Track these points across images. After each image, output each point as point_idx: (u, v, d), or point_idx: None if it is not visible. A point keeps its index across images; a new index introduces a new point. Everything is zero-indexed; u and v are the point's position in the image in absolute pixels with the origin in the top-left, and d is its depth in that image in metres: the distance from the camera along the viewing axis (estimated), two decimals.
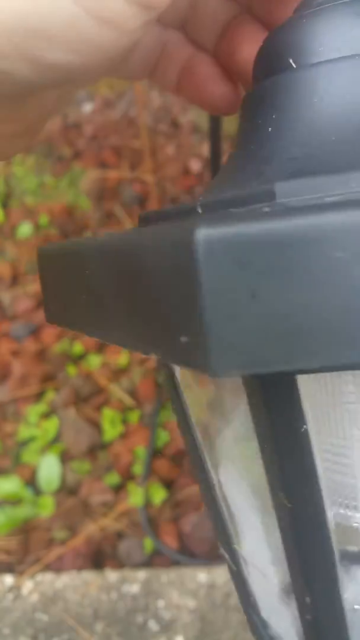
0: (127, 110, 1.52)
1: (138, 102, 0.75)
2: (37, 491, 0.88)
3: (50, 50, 0.16)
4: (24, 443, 0.92)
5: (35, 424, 0.93)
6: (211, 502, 0.24)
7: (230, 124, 1.33)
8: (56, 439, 0.90)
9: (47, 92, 0.20)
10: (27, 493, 0.88)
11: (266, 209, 0.12)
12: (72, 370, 0.97)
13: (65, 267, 0.18)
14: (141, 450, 0.85)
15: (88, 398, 0.93)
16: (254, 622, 0.27)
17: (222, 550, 0.25)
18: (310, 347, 0.11)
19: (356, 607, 0.19)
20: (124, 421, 0.89)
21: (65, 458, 0.89)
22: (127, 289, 0.13)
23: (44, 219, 1.29)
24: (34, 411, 0.93)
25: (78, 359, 0.99)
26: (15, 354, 1.02)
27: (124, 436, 0.88)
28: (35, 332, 1.05)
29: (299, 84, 0.18)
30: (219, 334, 0.11)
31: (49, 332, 1.04)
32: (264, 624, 0.26)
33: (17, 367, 0.99)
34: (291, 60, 0.18)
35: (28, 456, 0.91)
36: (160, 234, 0.12)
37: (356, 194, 0.13)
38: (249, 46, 0.23)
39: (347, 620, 0.19)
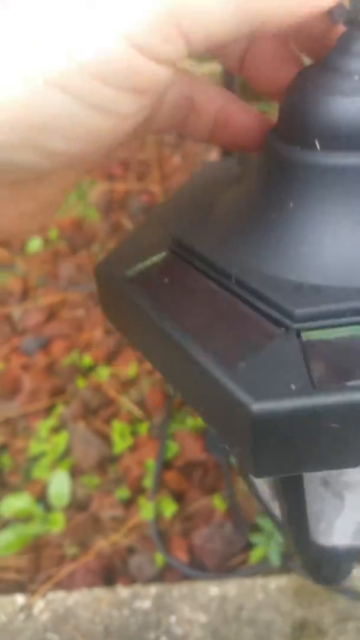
0: None
1: None
2: (48, 507, 0.87)
3: (50, 140, 0.16)
4: (35, 459, 0.91)
5: (45, 439, 0.92)
6: None
7: None
8: (66, 453, 0.90)
9: (60, 174, 0.20)
10: (38, 510, 0.87)
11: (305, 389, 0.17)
12: (81, 382, 0.96)
13: None
14: (151, 463, 0.84)
15: (97, 410, 0.92)
16: None
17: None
18: None
19: None
20: (133, 433, 0.88)
21: (75, 472, 0.88)
22: None
23: (53, 233, 1.30)
24: (44, 426, 0.93)
25: (87, 371, 0.99)
26: (25, 368, 1.02)
27: (133, 449, 0.87)
28: (45, 345, 1.05)
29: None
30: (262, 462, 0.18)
31: (59, 345, 1.04)
32: None
33: (27, 382, 0.99)
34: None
35: (38, 472, 0.90)
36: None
37: None
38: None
39: None
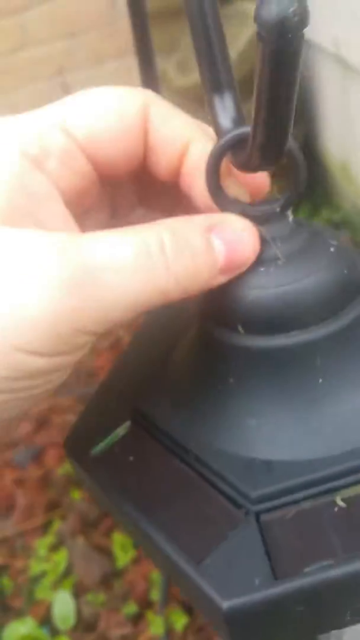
0: None
1: None
2: (54, 631, 0.83)
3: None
4: (36, 579, 0.88)
5: (44, 558, 0.89)
6: None
7: None
8: (67, 571, 0.87)
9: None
10: (43, 634, 0.83)
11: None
12: (76, 494, 0.94)
13: None
14: (157, 575, 0.81)
15: (95, 523, 0.90)
16: None
17: None
18: None
19: None
20: (135, 545, 0.86)
21: (78, 591, 0.85)
22: None
23: None
24: (42, 544, 0.90)
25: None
26: (18, 482, 1.00)
27: (136, 561, 0.84)
28: (37, 455, 1.04)
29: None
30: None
31: (52, 454, 1.03)
32: None
33: (22, 497, 0.97)
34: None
35: (41, 593, 0.87)
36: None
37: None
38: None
39: None
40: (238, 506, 0.20)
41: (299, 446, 0.20)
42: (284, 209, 0.21)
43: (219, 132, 0.21)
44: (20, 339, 0.17)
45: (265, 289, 0.20)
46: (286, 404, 0.20)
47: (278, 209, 0.21)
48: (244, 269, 0.20)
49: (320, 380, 0.20)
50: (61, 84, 0.77)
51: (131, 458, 0.23)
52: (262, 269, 0.20)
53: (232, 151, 0.20)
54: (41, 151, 0.20)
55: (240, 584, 0.18)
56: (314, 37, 1.17)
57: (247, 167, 0.20)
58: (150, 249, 0.18)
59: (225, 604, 0.17)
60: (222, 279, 0.20)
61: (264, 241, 0.21)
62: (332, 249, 0.21)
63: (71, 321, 0.17)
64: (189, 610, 0.79)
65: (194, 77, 1.27)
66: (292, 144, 0.19)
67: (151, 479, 0.22)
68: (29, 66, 1.50)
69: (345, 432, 0.20)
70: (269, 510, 0.19)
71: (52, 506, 0.95)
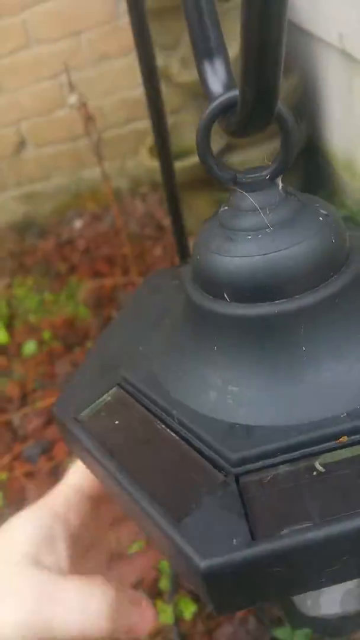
0: (114, 221, 1.60)
1: (116, 215, 0.80)
2: None
3: None
4: None
5: None
6: None
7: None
8: None
9: None
10: None
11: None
12: None
13: None
14: (165, 564, 0.82)
15: None
16: None
17: None
18: None
19: None
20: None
21: None
22: None
23: (47, 334, 1.33)
24: None
25: None
26: (29, 476, 1.01)
27: (145, 550, 0.85)
28: (47, 450, 1.05)
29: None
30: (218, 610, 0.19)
31: (61, 448, 1.04)
32: None
33: (33, 491, 0.98)
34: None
35: None
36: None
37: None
38: None
39: None
40: (218, 469, 0.20)
41: (279, 412, 0.20)
42: (273, 176, 0.21)
43: (209, 97, 0.20)
44: None
45: (251, 257, 0.20)
46: (268, 372, 0.21)
47: (267, 177, 0.21)
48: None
49: (304, 349, 0.20)
50: (67, 81, 0.78)
51: (116, 422, 0.23)
52: (249, 237, 0.20)
53: (222, 117, 0.20)
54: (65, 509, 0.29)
55: (218, 543, 0.18)
56: (319, 32, 1.17)
57: (238, 132, 0.20)
58: (92, 599, 0.25)
59: (203, 563, 0.18)
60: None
61: (252, 209, 0.20)
62: (320, 219, 0.21)
63: (32, 626, 0.24)
64: (197, 598, 0.80)
65: (194, 73, 1.28)
66: (281, 106, 0.19)
67: (135, 441, 0.22)
68: (32, 65, 1.51)
69: (326, 399, 0.20)
70: (248, 472, 0.20)
71: None
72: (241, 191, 0.21)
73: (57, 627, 0.24)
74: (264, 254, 0.20)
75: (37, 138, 1.61)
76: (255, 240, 0.20)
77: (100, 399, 0.25)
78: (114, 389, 0.25)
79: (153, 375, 0.24)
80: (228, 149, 1.30)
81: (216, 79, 0.21)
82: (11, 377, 1.27)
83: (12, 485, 1.01)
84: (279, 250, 0.20)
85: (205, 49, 0.21)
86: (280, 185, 0.21)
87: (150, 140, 1.42)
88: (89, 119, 0.73)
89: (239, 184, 0.21)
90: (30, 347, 1.32)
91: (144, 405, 0.24)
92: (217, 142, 1.32)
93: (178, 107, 1.34)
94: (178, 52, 1.31)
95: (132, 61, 1.50)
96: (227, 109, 0.20)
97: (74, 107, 0.75)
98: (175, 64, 1.29)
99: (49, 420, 1.11)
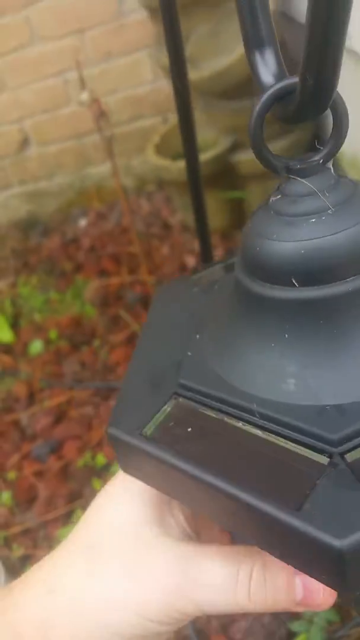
0: (120, 219, 1.60)
1: (125, 212, 0.80)
2: None
3: None
4: None
5: None
6: None
7: (214, 221, 1.38)
8: None
9: None
10: None
11: None
12: (97, 483, 0.95)
13: None
14: None
15: None
16: None
17: None
18: None
19: None
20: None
21: None
22: None
23: (53, 333, 1.32)
24: (64, 534, 0.91)
25: (102, 470, 0.98)
26: (38, 475, 1.01)
27: None
28: (56, 449, 1.05)
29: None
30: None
31: (70, 447, 1.04)
32: None
33: (42, 489, 0.97)
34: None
35: None
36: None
37: None
38: None
39: None
40: (320, 452, 0.19)
41: None
42: (326, 160, 0.21)
43: (261, 88, 0.21)
44: (141, 611, 0.24)
45: (320, 239, 0.20)
46: (346, 351, 0.20)
47: (320, 161, 0.21)
48: (318, 609, 0.24)
49: None
50: (78, 78, 0.78)
51: (188, 429, 0.22)
52: (312, 220, 0.20)
53: (276, 105, 0.20)
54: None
55: (348, 521, 0.17)
56: None
57: (293, 119, 0.20)
58: (239, 577, 0.23)
59: (339, 543, 0.17)
60: (298, 609, 0.24)
61: (309, 194, 0.21)
62: None
63: (175, 606, 0.24)
64: None
65: (204, 71, 1.28)
66: (336, 93, 0.19)
67: (216, 444, 0.21)
68: (35, 63, 1.51)
69: None
70: (352, 449, 0.19)
71: (74, 496, 0.95)
72: (296, 177, 0.21)
73: (204, 606, 0.23)
74: (333, 234, 0.20)
75: (41, 136, 1.60)
76: (320, 223, 0.20)
77: (161, 411, 0.24)
78: (173, 399, 0.24)
79: (214, 375, 0.23)
80: (235, 147, 1.30)
81: (267, 69, 0.21)
82: (18, 376, 1.26)
83: (21, 485, 1.00)
84: (347, 229, 0.20)
85: (256, 39, 0.21)
86: (332, 169, 0.22)
87: (156, 137, 1.42)
88: (101, 115, 0.73)
89: (293, 171, 0.21)
90: (36, 346, 1.32)
91: (212, 408, 0.23)
92: (222, 143, 1.32)
93: None
94: (186, 51, 1.31)
95: (136, 59, 1.50)
96: (280, 97, 0.20)
97: (85, 104, 0.75)
98: None
99: (57, 419, 1.11)
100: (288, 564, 0.20)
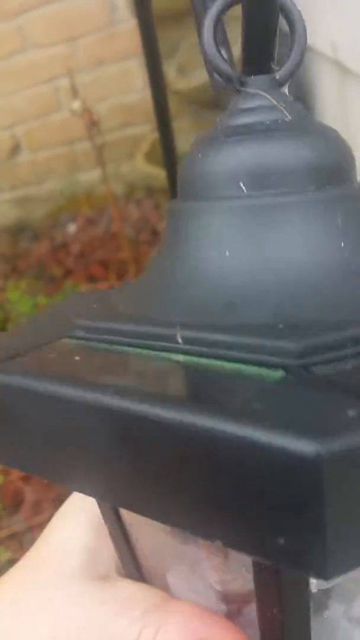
0: (109, 225, 1.61)
1: (115, 218, 0.81)
2: None
3: None
4: None
5: None
6: None
7: None
8: None
9: None
10: None
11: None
12: None
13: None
14: None
15: None
16: None
17: None
18: None
19: None
20: None
21: None
22: (191, 470, 0.12)
23: None
24: None
25: None
26: (25, 479, 1.01)
27: None
28: None
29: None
30: (336, 543, 0.11)
31: None
32: None
33: (29, 493, 0.98)
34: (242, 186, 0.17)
35: None
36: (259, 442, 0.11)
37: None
38: None
39: None
40: (274, 369, 0.14)
41: (329, 308, 0.16)
42: (283, 80, 0.19)
43: None
44: None
45: (279, 141, 0.17)
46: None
47: (277, 78, 0.19)
48: None
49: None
50: (70, 86, 0.79)
51: (77, 357, 0.17)
52: (268, 124, 0.18)
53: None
54: None
55: (323, 422, 0.11)
56: (312, 42, 1.19)
57: (247, 30, 0.17)
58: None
59: (316, 449, 0.10)
60: None
61: (267, 105, 0.18)
62: (329, 130, 0.19)
63: None
64: None
65: (194, 80, 1.30)
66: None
67: (109, 366, 0.16)
68: (28, 69, 1.52)
69: None
70: (318, 364, 0.14)
71: (61, 501, 0.96)
72: (249, 90, 0.18)
73: None
74: (293, 138, 0.18)
75: (32, 142, 1.61)
76: (277, 129, 0.18)
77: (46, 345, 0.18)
78: (64, 340, 0.18)
79: (125, 314, 0.18)
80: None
81: None
82: None
83: (7, 489, 1.01)
84: (308, 137, 0.18)
85: None
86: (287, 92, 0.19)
87: (146, 145, 1.43)
88: (93, 124, 0.74)
89: (246, 85, 0.19)
90: None
91: (113, 343, 0.17)
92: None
93: (175, 114, 1.35)
94: (175, 60, 1.33)
95: (127, 67, 1.52)
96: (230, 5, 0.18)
97: (77, 113, 0.76)
98: (172, 71, 1.31)
99: None
100: (212, 539, 0.13)
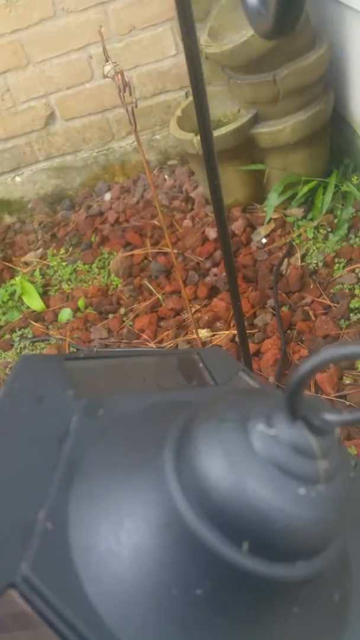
0: (143, 193, 1.64)
1: (150, 185, 0.85)
2: None
3: None
4: None
5: None
6: None
7: (236, 193, 1.41)
8: None
9: None
10: None
11: None
12: None
13: None
14: None
15: None
16: None
17: None
18: None
19: None
20: None
21: None
22: None
23: (81, 302, 1.39)
24: None
25: None
26: None
27: None
28: None
29: None
30: None
31: None
32: None
33: None
34: None
35: None
36: None
37: None
38: None
39: None
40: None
41: None
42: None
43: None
44: None
45: (301, 519, 0.19)
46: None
47: (338, 431, 0.20)
48: None
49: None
50: (102, 50, 0.83)
51: None
52: (301, 491, 0.19)
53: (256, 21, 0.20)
54: None
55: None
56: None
57: (271, 33, 0.20)
58: None
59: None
60: None
61: (309, 453, 0.19)
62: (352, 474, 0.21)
63: None
64: None
65: (224, 45, 1.30)
66: None
67: None
68: (59, 37, 1.54)
69: None
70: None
71: None
72: (304, 429, 0.20)
73: None
74: (313, 519, 0.19)
75: (66, 111, 1.64)
76: (307, 498, 0.19)
77: None
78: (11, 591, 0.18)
79: (74, 577, 0.19)
80: (256, 120, 1.33)
81: None
82: (49, 342, 1.34)
83: None
84: (326, 517, 0.19)
85: None
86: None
87: (179, 111, 1.45)
88: (125, 86, 0.77)
89: (307, 420, 0.20)
90: (65, 314, 1.39)
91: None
92: (244, 115, 1.35)
93: (206, 79, 1.36)
94: (206, 25, 1.33)
95: (158, 34, 1.52)
96: None
97: (109, 77, 0.79)
98: (204, 36, 1.31)
99: None
100: None
